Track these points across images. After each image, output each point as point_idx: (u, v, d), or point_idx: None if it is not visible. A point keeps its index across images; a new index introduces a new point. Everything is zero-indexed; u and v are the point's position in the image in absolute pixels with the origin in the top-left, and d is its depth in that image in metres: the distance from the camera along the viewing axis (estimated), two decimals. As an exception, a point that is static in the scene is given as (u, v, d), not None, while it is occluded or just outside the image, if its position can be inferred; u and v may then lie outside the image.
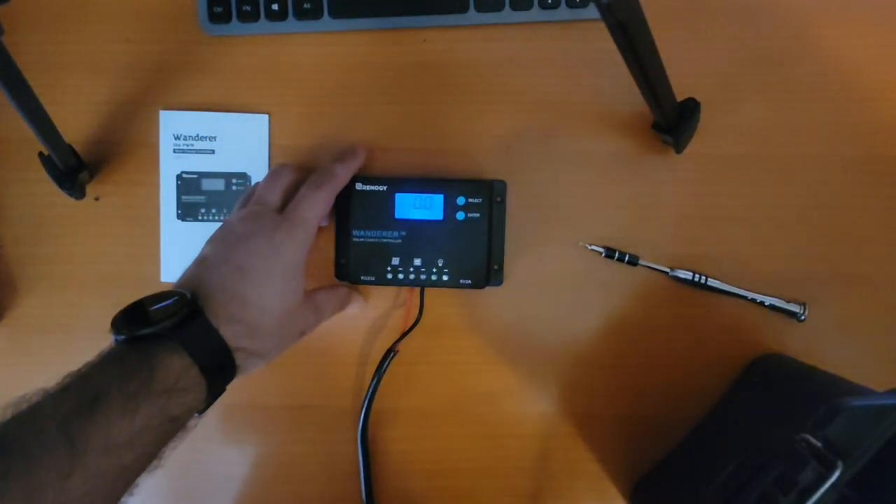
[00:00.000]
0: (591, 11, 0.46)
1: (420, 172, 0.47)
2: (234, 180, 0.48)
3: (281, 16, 0.46)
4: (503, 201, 0.45)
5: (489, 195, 0.44)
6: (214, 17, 0.46)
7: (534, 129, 0.47)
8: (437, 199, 0.44)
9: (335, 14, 0.46)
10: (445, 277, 0.44)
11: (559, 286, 0.47)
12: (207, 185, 0.48)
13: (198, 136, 0.48)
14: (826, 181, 0.46)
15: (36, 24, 0.48)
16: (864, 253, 0.46)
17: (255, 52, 0.48)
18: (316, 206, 0.40)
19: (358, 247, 0.44)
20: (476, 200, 0.44)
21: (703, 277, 0.46)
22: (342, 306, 0.45)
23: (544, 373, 0.48)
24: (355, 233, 0.44)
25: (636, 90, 0.38)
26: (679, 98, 0.42)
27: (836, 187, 0.46)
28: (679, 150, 0.45)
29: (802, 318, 0.46)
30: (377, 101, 0.47)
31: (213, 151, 0.48)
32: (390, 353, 0.46)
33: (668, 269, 0.46)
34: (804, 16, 0.46)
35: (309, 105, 0.48)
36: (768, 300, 0.46)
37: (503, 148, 0.47)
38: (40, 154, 0.45)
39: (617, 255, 0.46)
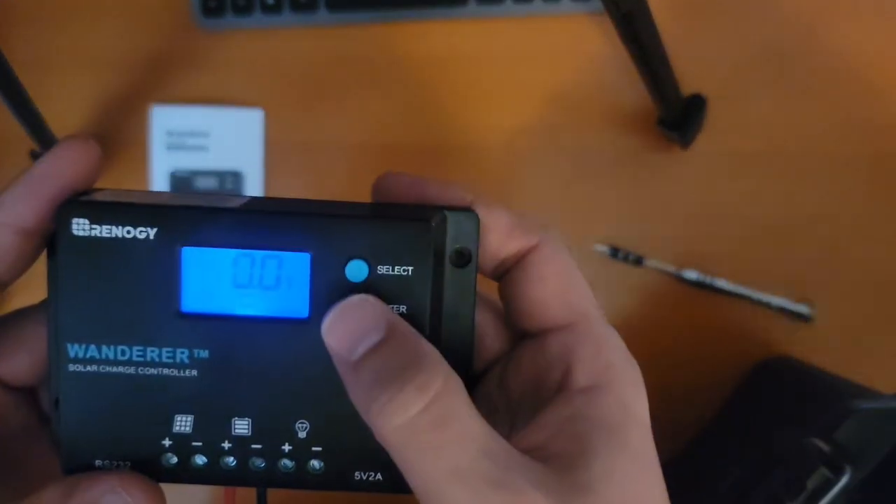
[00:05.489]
0: (595, 4, 0.45)
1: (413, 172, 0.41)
2: (227, 179, 0.47)
3: (276, 9, 0.46)
4: (471, 261, 0.20)
5: (431, 248, 0.19)
6: (208, 11, 0.46)
7: (536, 125, 0.46)
8: (296, 265, 0.19)
9: (332, 7, 0.46)
10: (316, 465, 0.19)
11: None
12: (200, 184, 0.47)
13: (190, 132, 0.47)
14: (836, 179, 0.45)
15: (25, 20, 0.47)
16: (873, 253, 0.46)
17: (250, 45, 0.47)
18: None
19: (80, 385, 0.19)
20: (397, 268, 0.19)
21: (710, 278, 0.45)
22: None
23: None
24: (73, 349, 0.18)
25: (641, 85, 0.38)
26: (685, 93, 0.42)
27: (846, 185, 0.45)
28: (685, 146, 0.45)
29: (810, 319, 0.45)
30: (375, 96, 0.47)
31: (205, 148, 0.47)
32: None
33: (674, 270, 0.46)
34: (815, 7, 0.45)
35: (304, 100, 0.47)
36: (776, 301, 0.45)
37: (505, 144, 0.46)
38: (31, 152, 0.45)
39: (622, 254, 0.46)
